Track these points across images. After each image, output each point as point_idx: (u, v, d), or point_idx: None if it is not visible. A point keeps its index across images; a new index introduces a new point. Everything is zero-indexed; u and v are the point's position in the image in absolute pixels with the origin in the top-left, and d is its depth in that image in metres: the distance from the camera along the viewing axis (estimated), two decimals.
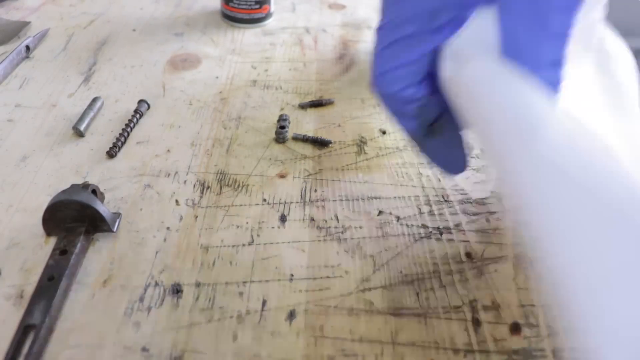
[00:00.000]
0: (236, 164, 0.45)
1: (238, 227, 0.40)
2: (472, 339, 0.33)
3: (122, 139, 0.47)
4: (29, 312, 0.32)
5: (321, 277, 0.37)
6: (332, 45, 0.63)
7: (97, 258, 0.37)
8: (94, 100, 0.51)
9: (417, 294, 0.36)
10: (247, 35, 0.64)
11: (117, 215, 0.40)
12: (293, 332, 0.33)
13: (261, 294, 0.35)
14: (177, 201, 0.42)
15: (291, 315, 0.34)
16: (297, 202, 0.42)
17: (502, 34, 0.26)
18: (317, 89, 0.55)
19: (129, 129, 0.48)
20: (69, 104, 0.51)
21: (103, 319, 0.33)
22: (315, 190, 0.43)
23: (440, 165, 0.32)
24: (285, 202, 0.42)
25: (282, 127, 0.48)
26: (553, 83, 0.26)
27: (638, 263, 0.22)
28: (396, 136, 0.49)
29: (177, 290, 0.35)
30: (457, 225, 0.40)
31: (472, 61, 0.26)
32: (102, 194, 0.40)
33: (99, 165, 0.45)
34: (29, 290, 0.34)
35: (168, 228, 0.40)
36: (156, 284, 0.36)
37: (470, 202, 0.42)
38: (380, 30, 0.28)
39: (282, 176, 0.44)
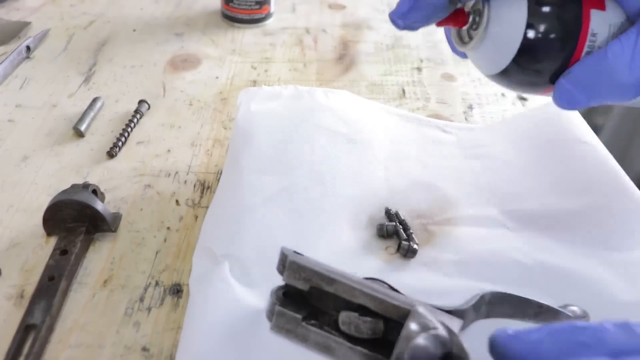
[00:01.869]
0: None
1: None
2: None
3: (123, 139, 0.47)
4: (29, 312, 0.33)
5: None
6: (332, 46, 0.63)
7: (97, 258, 0.37)
8: (94, 100, 0.51)
9: None
10: (247, 36, 0.64)
11: (118, 215, 0.40)
12: None
13: None
14: (177, 201, 0.42)
15: None
16: None
17: None
18: None
19: (129, 129, 0.48)
20: (70, 104, 0.51)
21: (103, 318, 0.34)
22: None
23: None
24: None
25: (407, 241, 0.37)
26: None
27: None
28: None
29: (177, 290, 0.35)
30: None
31: None
32: (102, 194, 0.40)
33: (100, 166, 0.45)
34: (30, 290, 0.34)
35: (168, 228, 0.40)
36: (156, 284, 0.36)
37: None
38: None
39: None
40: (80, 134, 0.47)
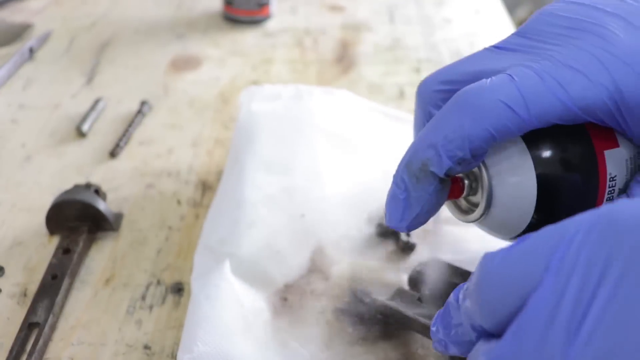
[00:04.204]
0: None
1: None
2: None
3: (125, 139, 0.47)
4: (32, 310, 0.33)
5: None
6: (331, 47, 0.63)
7: (99, 257, 0.38)
8: (97, 101, 0.51)
9: None
10: (248, 37, 0.64)
11: (120, 214, 0.40)
12: None
13: None
14: (178, 201, 0.42)
15: None
16: None
17: None
18: None
19: (131, 130, 0.48)
20: (72, 105, 0.52)
21: (105, 317, 0.34)
22: None
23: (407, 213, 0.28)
24: None
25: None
26: None
27: None
28: None
29: (178, 289, 0.36)
30: None
31: None
32: (104, 193, 0.41)
33: (102, 165, 0.45)
34: (33, 288, 0.35)
35: (170, 227, 0.40)
36: (158, 282, 0.36)
37: None
38: None
39: None
40: (82, 134, 0.48)
